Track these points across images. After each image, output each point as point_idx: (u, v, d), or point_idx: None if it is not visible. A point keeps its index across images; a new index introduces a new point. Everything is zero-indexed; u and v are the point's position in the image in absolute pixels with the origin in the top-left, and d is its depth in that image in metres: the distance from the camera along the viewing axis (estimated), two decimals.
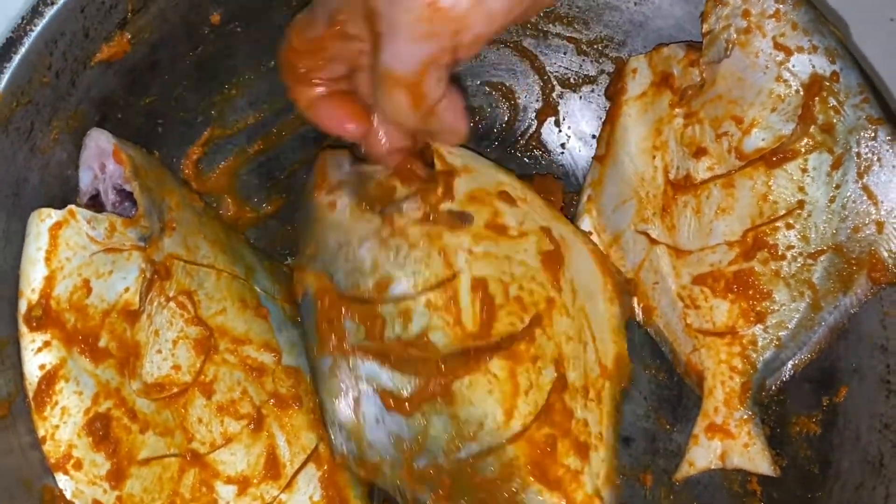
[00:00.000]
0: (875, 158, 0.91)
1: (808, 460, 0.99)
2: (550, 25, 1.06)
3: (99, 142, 0.88)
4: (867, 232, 0.92)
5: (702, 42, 0.96)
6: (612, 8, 1.04)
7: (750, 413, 0.95)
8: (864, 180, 0.91)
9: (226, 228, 0.98)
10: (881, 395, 0.95)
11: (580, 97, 1.08)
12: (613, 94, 1.02)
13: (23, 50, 0.82)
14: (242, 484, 0.89)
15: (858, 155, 0.91)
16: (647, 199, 0.99)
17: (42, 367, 0.83)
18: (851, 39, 1.03)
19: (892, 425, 0.94)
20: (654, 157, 0.98)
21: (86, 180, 0.89)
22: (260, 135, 1.04)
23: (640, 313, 1.01)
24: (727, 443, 0.96)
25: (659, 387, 1.05)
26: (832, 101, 0.91)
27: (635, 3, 1.03)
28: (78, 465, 0.84)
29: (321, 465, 0.93)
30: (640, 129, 0.99)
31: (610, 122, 1.01)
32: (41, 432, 0.83)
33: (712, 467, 0.97)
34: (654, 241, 0.99)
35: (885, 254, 0.91)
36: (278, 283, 0.97)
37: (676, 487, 1.02)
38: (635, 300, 1.01)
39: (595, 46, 1.07)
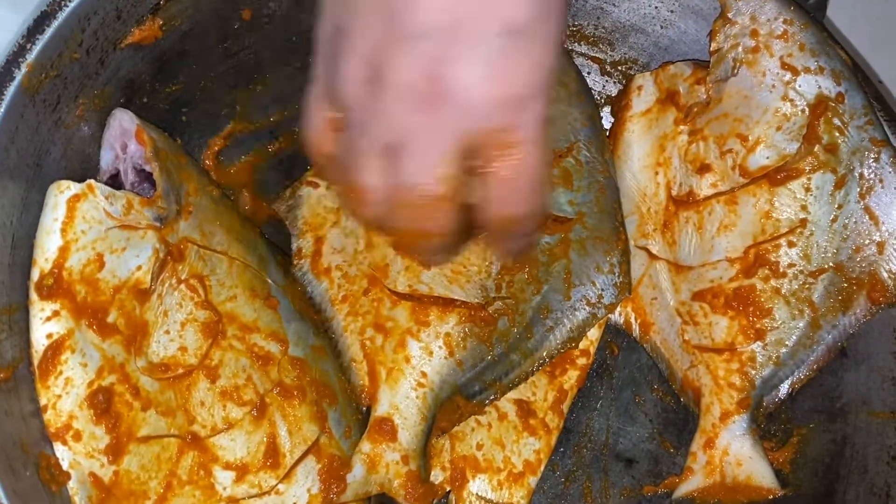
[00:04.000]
0: (877, 180, 0.91)
1: (813, 490, 0.99)
2: (576, 45, 1.07)
3: (122, 122, 0.90)
4: (868, 252, 0.92)
5: (708, 61, 0.97)
6: (638, 31, 1.05)
7: (748, 429, 0.95)
8: (866, 201, 0.92)
9: (242, 219, 0.98)
10: (890, 427, 0.94)
11: (601, 117, 1.08)
12: (618, 111, 1.03)
13: (56, 24, 0.83)
14: (241, 470, 0.89)
15: (861, 176, 0.92)
16: (649, 215, 1.00)
17: (49, 335, 0.83)
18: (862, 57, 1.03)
19: None
20: (656, 174, 0.99)
21: (107, 159, 0.91)
22: (282, 133, 1.04)
23: (637, 328, 1.01)
24: (726, 459, 0.96)
25: (665, 410, 1.04)
26: (837, 122, 0.91)
27: (661, 27, 1.04)
28: (77, 437, 0.83)
29: (321, 458, 0.92)
30: (643, 146, 1.00)
31: (613, 138, 1.02)
32: (43, 401, 0.83)
33: (711, 483, 0.96)
34: (653, 257, 1.00)
35: (885, 274, 0.92)
36: (289, 277, 0.98)
37: None
38: (633, 315, 1.01)
39: (619, 68, 1.08)
